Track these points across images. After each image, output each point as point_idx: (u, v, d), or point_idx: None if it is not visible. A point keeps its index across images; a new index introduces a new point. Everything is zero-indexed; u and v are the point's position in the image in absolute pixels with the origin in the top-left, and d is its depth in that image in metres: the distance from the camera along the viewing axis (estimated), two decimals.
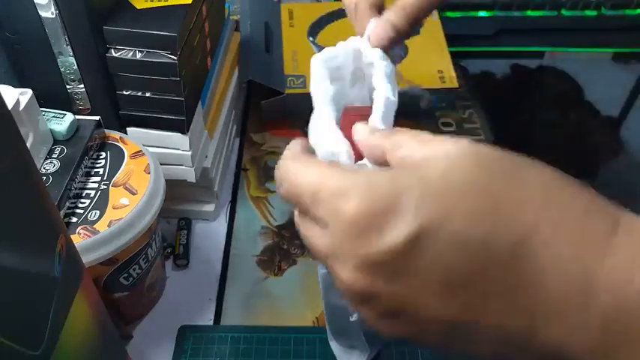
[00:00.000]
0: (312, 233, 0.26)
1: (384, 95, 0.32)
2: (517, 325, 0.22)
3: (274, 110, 0.67)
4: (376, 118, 0.31)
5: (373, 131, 0.29)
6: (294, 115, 0.66)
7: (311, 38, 0.73)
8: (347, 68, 0.36)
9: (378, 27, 0.36)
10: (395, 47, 0.37)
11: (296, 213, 0.28)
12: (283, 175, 0.28)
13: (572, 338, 0.21)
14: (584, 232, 0.22)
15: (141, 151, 0.45)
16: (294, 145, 0.30)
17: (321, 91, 0.33)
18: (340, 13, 0.75)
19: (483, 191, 0.23)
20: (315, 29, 0.74)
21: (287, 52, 0.71)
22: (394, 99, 0.32)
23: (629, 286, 0.21)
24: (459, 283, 0.22)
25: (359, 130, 0.29)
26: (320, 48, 0.72)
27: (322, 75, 0.34)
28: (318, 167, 0.26)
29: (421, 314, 0.23)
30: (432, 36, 0.73)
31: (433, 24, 0.74)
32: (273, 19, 0.74)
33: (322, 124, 0.31)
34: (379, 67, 0.34)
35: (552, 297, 0.21)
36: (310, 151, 0.30)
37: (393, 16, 0.35)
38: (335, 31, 0.74)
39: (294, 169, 0.27)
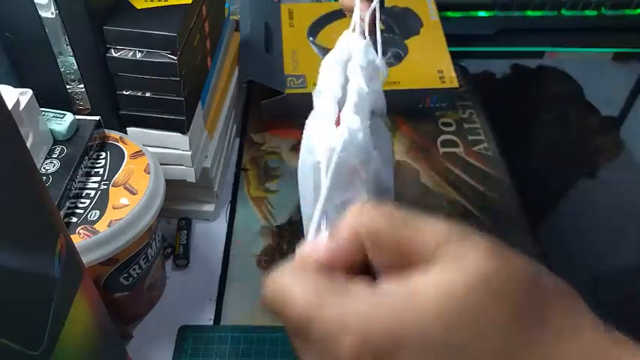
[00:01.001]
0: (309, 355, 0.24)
1: (357, 85, 0.32)
2: None
3: (274, 110, 0.67)
4: (348, 108, 0.31)
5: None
6: (294, 115, 0.65)
7: (311, 38, 0.73)
8: (340, 62, 0.36)
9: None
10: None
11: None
12: (273, 290, 0.24)
13: None
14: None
15: (141, 151, 0.45)
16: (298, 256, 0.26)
17: (329, 94, 0.33)
18: (340, 13, 0.75)
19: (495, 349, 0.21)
20: (315, 29, 0.74)
21: (287, 52, 0.71)
22: (367, 89, 0.32)
23: None
24: None
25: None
26: (320, 48, 0.72)
27: (331, 77, 0.34)
28: (312, 282, 0.23)
29: None
30: (432, 36, 0.73)
31: (433, 24, 0.74)
32: (273, 19, 0.74)
33: (321, 115, 0.32)
34: (355, 58, 0.34)
35: None
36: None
37: None
38: (335, 31, 0.74)
39: (288, 284, 0.24)
